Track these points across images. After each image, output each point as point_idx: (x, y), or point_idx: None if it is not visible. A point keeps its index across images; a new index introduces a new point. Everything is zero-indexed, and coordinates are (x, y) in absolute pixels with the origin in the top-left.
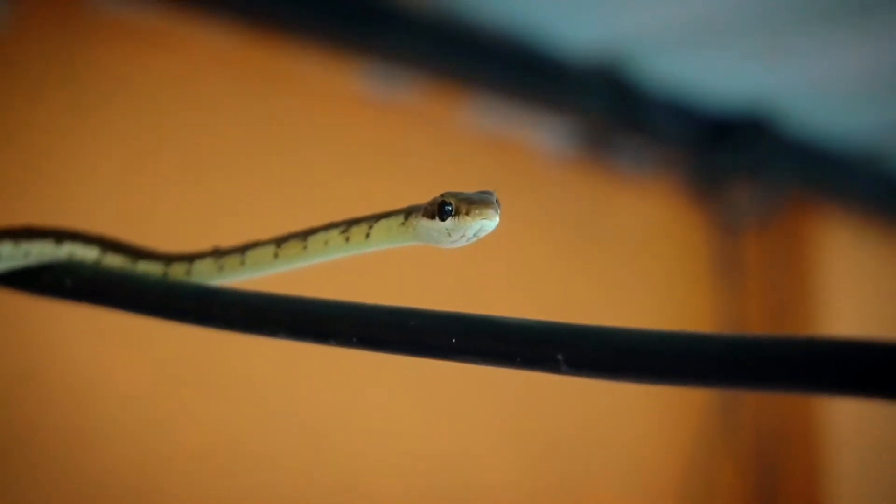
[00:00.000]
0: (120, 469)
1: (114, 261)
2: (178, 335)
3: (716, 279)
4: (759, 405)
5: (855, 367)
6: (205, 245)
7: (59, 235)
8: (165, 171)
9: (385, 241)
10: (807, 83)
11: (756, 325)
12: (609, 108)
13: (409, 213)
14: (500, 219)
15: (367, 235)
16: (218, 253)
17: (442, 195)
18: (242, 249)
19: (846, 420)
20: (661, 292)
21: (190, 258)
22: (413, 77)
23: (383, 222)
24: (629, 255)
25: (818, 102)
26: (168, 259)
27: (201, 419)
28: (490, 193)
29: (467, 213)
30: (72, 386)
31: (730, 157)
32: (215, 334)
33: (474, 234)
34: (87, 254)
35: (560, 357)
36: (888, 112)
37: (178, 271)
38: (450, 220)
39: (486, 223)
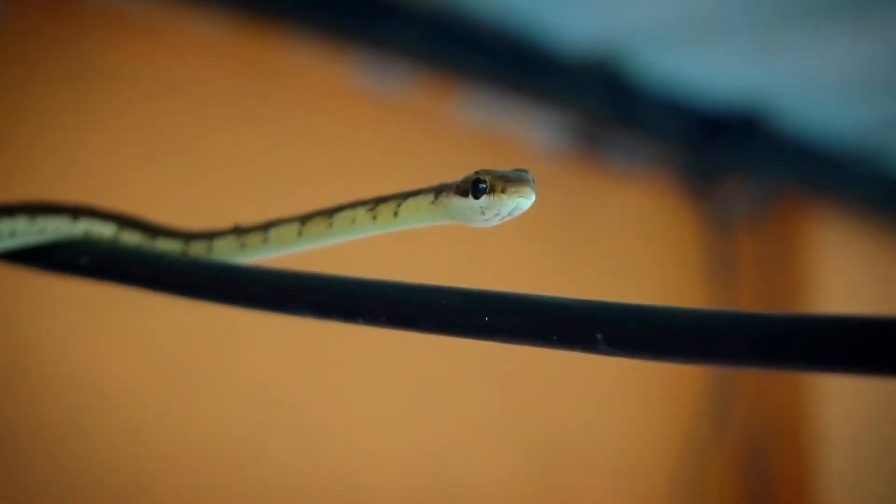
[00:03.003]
0: (115, 464)
1: (131, 238)
2: (174, 330)
3: (708, 276)
4: (750, 399)
5: None
6: None
7: (76, 212)
8: (158, 162)
9: (414, 220)
10: (800, 80)
11: None
12: (602, 104)
13: (439, 191)
14: (536, 197)
15: (396, 214)
16: (239, 230)
17: (476, 172)
18: (265, 227)
19: (837, 415)
20: (654, 289)
21: (210, 236)
22: (406, 70)
23: (412, 200)
24: (621, 252)
25: (812, 99)
26: (187, 237)
27: (196, 414)
28: (525, 171)
29: (503, 191)
30: (67, 381)
31: (723, 153)
32: (211, 329)
33: (509, 213)
34: (104, 230)
35: (599, 336)
36: (882, 109)
37: (198, 249)
38: (484, 198)
39: (523, 201)
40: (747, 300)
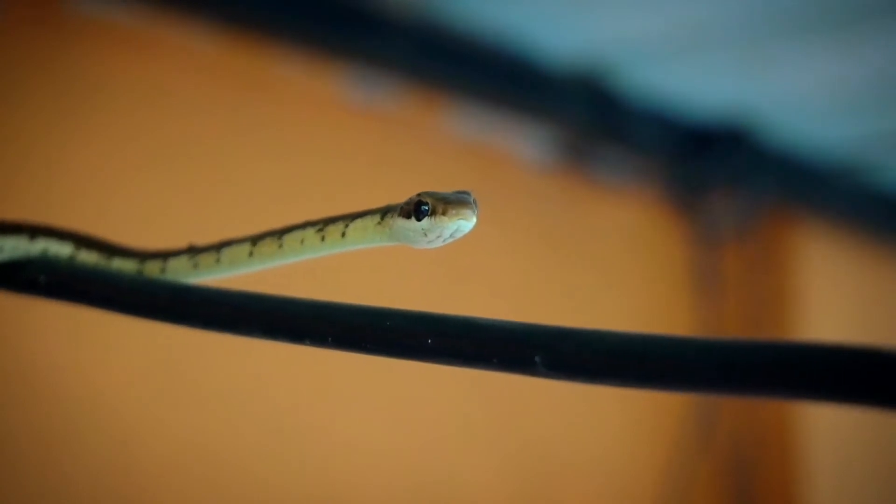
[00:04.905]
0: (99, 472)
1: (88, 258)
2: (158, 338)
3: (694, 290)
4: (735, 410)
5: (846, 374)
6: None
7: (33, 231)
8: (144, 173)
9: (361, 241)
10: (787, 94)
11: (733, 335)
12: (589, 118)
13: (385, 212)
14: (478, 219)
15: (343, 234)
16: (193, 251)
17: (418, 194)
18: (218, 247)
19: (822, 425)
20: (640, 302)
21: (165, 256)
22: (395, 83)
23: (359, 221)
24: (608, 265)
25: (798, 114)
26: (143, 256)
27: (193, 419)
28: (467, 193)
29: (444, 213)
30: (51, 388)
31: (709, 167)
32: (196, 338)
33: (451, 235)
34: (62, 250)
35: (538, 359)
36: (868, 124)
37: (152, 269)
38: (426, 220)
39: (463, 223)
40: (733, 313)
